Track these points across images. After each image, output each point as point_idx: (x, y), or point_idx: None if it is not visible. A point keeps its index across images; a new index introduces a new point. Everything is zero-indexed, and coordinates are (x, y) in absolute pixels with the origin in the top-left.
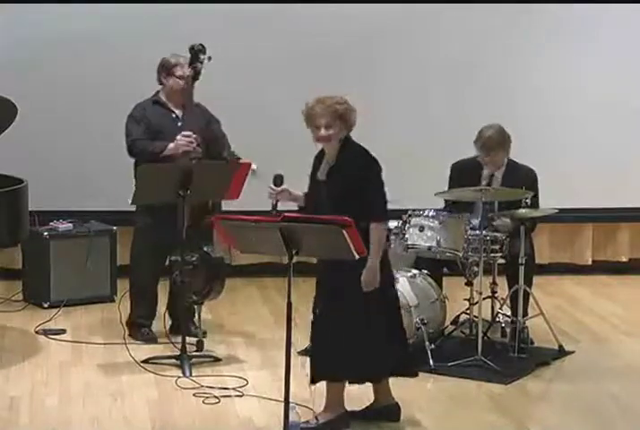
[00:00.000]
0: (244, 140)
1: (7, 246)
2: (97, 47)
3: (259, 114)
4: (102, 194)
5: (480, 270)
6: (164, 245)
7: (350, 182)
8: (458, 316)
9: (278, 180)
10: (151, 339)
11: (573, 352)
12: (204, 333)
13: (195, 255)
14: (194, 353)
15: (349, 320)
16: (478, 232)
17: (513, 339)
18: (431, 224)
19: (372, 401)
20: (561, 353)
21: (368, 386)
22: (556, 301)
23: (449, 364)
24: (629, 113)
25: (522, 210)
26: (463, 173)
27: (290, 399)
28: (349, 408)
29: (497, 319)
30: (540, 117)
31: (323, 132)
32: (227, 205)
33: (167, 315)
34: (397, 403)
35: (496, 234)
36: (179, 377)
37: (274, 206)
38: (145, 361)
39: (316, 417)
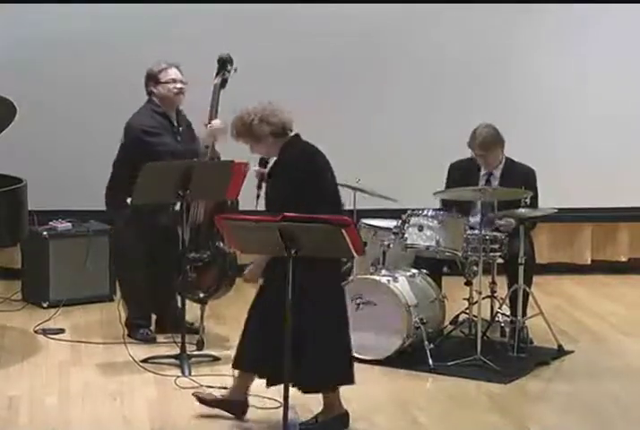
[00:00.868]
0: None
1: (7, 246)
2: (97, 47)
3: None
4: (101, 194)
5: (480, 269)
6: (158, 246)
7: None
8: (457, 316)
9: (262, 161)
10: (149, 339)
11: (572, 352)
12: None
13: (207, 252)
14: (194, 352)
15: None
16: (477, 232)
17: (512, 339)
18: (430, 224)
19: (321, 410)
20: (560, 353)
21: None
22: (555, 301)
23: (448, 363)
24: (629, 113)
25: (521, 210)
26: (461, 173)
27: (289, 399)
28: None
29: (497, 318)
30: (540, 117)
31: (251, 150)
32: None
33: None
34: (347, 412)
35: (495, 233)
36: (179, 377)
37: (259, 185)
38: (144, 360)
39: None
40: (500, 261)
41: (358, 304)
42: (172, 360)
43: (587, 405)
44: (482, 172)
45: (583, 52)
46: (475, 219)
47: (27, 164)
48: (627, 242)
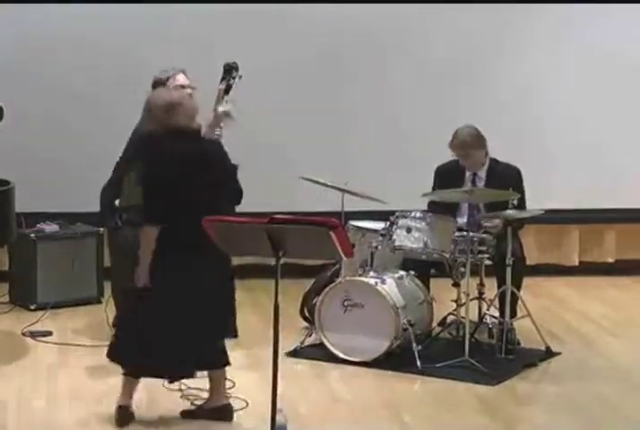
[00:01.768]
0: (241, 140)
1: None
2: (96, 48)
3: (257, 115)
4: (89, 196)
5: (467, 271)
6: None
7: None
8: (445, 317)
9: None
10: None
11: (560, 353)
12: None
13: None
14: None
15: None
16: (465, 233)
17: (500, 341)
18: (418, 225)
19: (206, 400)
20: (548, 354)
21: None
22: (543, 302)
23: (436, 365)
24: (616, 113)
25: (508, 212)
26: (448, 175)
27: (277, 401)
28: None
29: (485, 320)
30: (528, 118)
31: None
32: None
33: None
34: (230, 404)
35: (483, 235)
36: None
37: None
38: None
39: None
40: (489, 262)
41: (347, 305)
42: None
43: (575, 406)
44: (467, 173)
45: (572, 53)
46: (462, 220)
47: (15, 166)
48: (615, 243)
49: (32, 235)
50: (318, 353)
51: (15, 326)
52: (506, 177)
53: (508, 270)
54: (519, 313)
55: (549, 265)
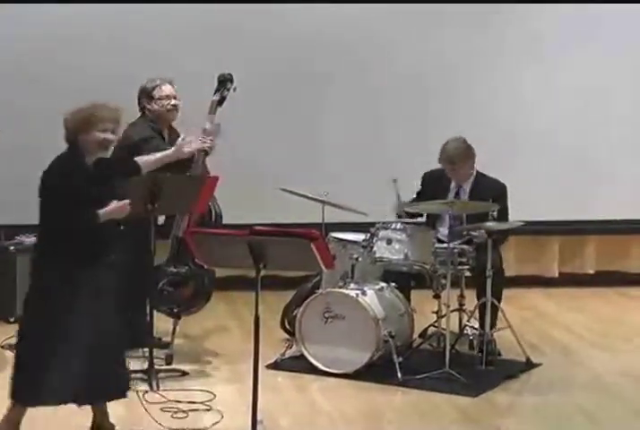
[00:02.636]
0: (220, 152)
1: None
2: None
3: (237, 127)
4: None
5: (448, 282)
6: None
7: None
8: (426, 329)
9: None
10: None
11: (540, 364)
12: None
13: (185, 267)
14: (162, 367)
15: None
16: (446, 245)
17: (480, 352)
18: (399, 237)
19: (91, 425)
20: (529, 365)
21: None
22: (523, 313)
23: (417, 377)
24: (596, 125)
25: (488, 224)
26: (434, 183)
27: (258, 413)
28: None
29: (465, 331)
30: (506, 130)
31: None
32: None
33: None
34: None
35: (463, 246)
36: (147, 391)
37: None
38: None
39: None
40: (468, 274)
41: (327, 317)
42: (140, 375)
43: (556, 417)
44: (453, 184)
45: (550, 62)
46: (444, 230)
47: None
48: (594, 255)
49: (12, 247)
50: (299, 365)
51: None
52: (490, 192)
53: (488, 281)
54: (499, 325)
55: (530, 277)
